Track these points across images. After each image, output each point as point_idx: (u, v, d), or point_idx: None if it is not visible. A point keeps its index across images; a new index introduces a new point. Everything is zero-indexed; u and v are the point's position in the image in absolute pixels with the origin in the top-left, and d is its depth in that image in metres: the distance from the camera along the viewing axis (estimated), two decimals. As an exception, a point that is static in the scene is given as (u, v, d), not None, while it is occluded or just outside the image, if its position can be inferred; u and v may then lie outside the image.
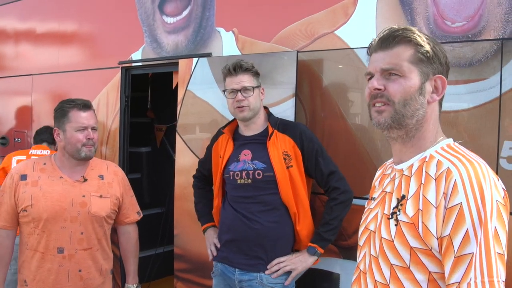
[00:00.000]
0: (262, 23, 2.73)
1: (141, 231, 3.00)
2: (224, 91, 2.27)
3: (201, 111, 2.92)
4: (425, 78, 1.16)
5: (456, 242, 1.00)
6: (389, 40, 1.17)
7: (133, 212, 2.44)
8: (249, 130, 2.27)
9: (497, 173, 1.94)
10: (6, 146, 4.54)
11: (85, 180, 2.24)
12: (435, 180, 1.08)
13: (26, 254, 2.18)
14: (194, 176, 2.60)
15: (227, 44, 2.86)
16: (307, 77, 2.52)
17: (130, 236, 2.45)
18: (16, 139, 4.44)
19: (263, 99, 2.27)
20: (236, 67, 2.20)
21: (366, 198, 2.28)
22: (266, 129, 2.23)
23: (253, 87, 2.20)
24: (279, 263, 2.14)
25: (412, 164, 1.17)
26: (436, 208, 1.05)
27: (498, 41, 1.97)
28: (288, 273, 2.15)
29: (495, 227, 0.99)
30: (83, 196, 2.20)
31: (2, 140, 4.59)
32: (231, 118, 2.50)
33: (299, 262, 2.15)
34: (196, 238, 2.92)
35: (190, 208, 2.95)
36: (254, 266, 2.16)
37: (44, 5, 4.23)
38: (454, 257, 1.00)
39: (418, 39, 1.16)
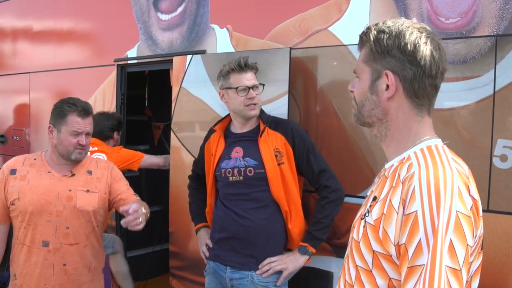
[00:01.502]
0: (256, 20, 2.71)
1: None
2: (228, 88, 2.18)
3: (195, 109, 2.90)
4: (376, 76, 1.11)
5: (410, 252, 0.93)
6: (359, 41, 1.17)
7: (130, 195, 2.36)
8: (243, 127, 2.25)
9: (490, 172, 1.94)
10: (4, 144, 4.55)
11: (73, 175, 2.24)
12: (402, 183, 1.02)
13: (16, 248, 2.20)
14: (189, 177, 2.59)
15: (221, 41, 2.84)
16: (301, 74, 2.50)
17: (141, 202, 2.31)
18: (15, 137, 4.44)
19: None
20: (246, 64, 2.17)
21: (360, 196, 2.30)
22: (258, 126, 2.21)
23: (261, 85, 2.21)
24: (270, 262, 2.12)
25: (392, 165, 1.12)
26: (397, 213, 0.99)
27: (492, 38, 1.94)
28: (280, 272, 2.13)
29: (450, 239, 0.90)
30: (70, 190, 2.20)
31: (1, 138, 4.60)
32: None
33: (290, 262, 2.13)
34: (191, 236, 2.92)
35: (185, 206, 2.94)
36: (245, 265, 2.15)
37: (40, 3, 4.22)
38: (407, 267, 0.94)
39: (371, 36, 1.10)
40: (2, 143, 4.58)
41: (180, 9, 3.05)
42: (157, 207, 4.33)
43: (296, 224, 2.18)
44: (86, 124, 2.21)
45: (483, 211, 1.91)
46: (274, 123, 2.21)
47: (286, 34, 2.56)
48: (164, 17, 3.15)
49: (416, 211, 0.94)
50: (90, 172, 2.29)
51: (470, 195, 0.97)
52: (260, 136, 2.16)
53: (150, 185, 4.46)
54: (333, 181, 2.16)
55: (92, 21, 3.79)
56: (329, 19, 2.39)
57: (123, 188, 2.35)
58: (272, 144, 2.15)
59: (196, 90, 2.89)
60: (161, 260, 3.93)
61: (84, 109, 2.21)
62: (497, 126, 1.92)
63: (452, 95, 2.03)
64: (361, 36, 1.15)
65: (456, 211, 0.93)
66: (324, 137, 2.43)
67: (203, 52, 2.91)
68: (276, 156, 2.14)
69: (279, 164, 2.13)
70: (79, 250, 2.21)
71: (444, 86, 2.01)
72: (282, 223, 2.18)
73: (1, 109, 4.71)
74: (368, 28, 1.13)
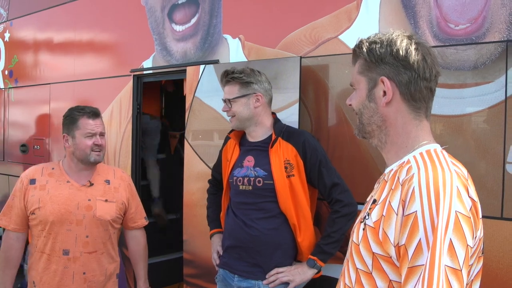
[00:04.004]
0: (267, 30, 2.74)
1: (156, 237, 2.99)
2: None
3: (208, 118, 2.94)
4: (372, 84, 1.15)
5: (410, 252, 0.95)
6: (352, 55, 1.22)
7: (141, 217, 2.48)
8: (251, 137, 2.27)
9: (503, 179, 1.91)
10: (26, 154, 4.67)
11: (91, 184, 2.29)
12: (401, 185, 1.03)
13: (35, 256, 2.25)
14: (208, 181, 2.62)
15: (233, 51, 2.88)
16: (312, 83, 2.51)
17: (139, 241, 2.49)
18: (36, 147, 4.56)
19: (258, 106, 2.20)
20: (222, 77, 2.23)
21: (371, 204, 2.29)
22: (270, 136, 2.22)
23: (237, 97, 2.18)
24: (277, 273, 2.11)
25: (392, 169, 1.14)
26: (396, 215, 1.01)
27: (503, 43, 1.92)
28: (287, 284, 2.12)
29: (450, 239, 0.92)
30: (89, 200, 2.26)
31: (22, 147, 4.72)
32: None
33: (298, 274, 2.11)
34: (205, 243, 2.94)
35: (199, 214, 2.98)
36: (252, 274, 2.15)
37: (60, 16, 4.34)
38: (407, 267, 0.95)
39: (363, 47, 1.15)
40: (23, 152, 4.70)
41: (193, 20, 3.11)
42: (174, 216, 4.37)
43: (305, 237, 2.16)
44: (98, 125, 2.28)
45: (497, 219, 1.91)
46: (288, 133, 2.19)
47: (297, 43, 2.58)
48: (178, 28, 3.21)
49: (416, 211, 0.96)
50: (108, 182, 2.35)
51: (469, 196, 0.99)
52: (271, 147, 2.16)
53: (166, 193, 4.52)
54: (345, 195, 2.12)
55: (109, 33, 3.88)
56: (339, 28, 2.40)
57: (136, 206, 2.47)
58: (283, 155, 2.14)
59: (209, 100, 2.93)
60: (174, 268, 3.95)
61: (92, 112, 2.29)
62: (510, 133, 1.90)
63: (463, 101, 2.02)
64: (354, 50, 1.20)
65: (456, 211, 0.94)
66: (335, 145, 2.43)
67: (216, 62, 2.95)
68: (286, 167, 2.12)
69: (288, 176, 2.11)
70: (97, 257, 2.27)
71: (454, 93, 2.02)
72: (291, 234, 2.16)
73: (23, 119, 4.84)
74: (360, 41, 1.18)
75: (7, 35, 5.02)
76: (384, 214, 1.04)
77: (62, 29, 4.33)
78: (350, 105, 1.24)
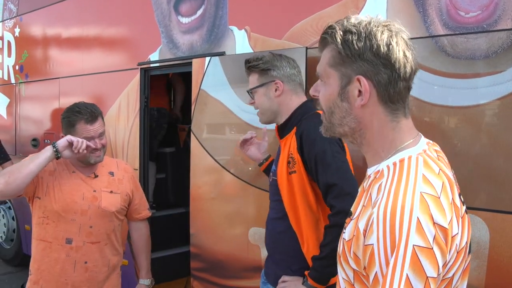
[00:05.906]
0: (273, 20, 2.69)
1: (165, 230, 2.95)
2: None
3: (215, 111, 2.91)
4: (346, 81, 1.01)
5: (370, 279, 0.90)
6: (320, 41, 1.05)
7: (144, 208, 2.50)
8: None
9: (515, 172, 1.84)
10: (37, 148, 4.70)
11: (96, 176, 2.30)
12: (371, 207, 0.95)
13: (32, 244, 2.27)
14: None
15: (240, 42, 2.84)
16: (319, 74, 2.46)
17: (142, 232, 2.51)
18: (46, 141, 4.58)
19: (279, 95, 1.98)
20: (245, 68, 2.08)
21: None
22: None
23: (255, 88, 2.02)
24: (282, 281, 1.91)
25: (370, 176, 1.04)
26: (363, 238, 0.94)
27: (515, 31, 1.85)
28: None
29: (407, 274, 0.84)
30: (94, 191, 2.27)
31: (33, 141, 4.76)
32: (243, 118, 2.46)
33: (292, 287, 1.86)
34: (212, 237, 2.93)
35: (206, 207, 2.97)
36: (269, 276, 2.04)
37: (68, 11, 4.35)
38: None
39: (337, 36, 0.99)
40: (34, 147, 4.74)
41: (199, 12, 3.07)
42: (183, 209, 4.37)
43: (309, 247, 1.86)
44: (96, 128, 2.22)
45: (508, 213, 1.84)
46: (301, 122, 1.89)
47: (303, 34, 2.52)
48: (184, 20, 3.18)
49: (373, 244, 0.90)
50: (112, 173, 2.36)
51: (434, 223, 0.89)
52: (281, 137, 1.97)
53: (176, 187, 4.52)
54: (340, 200, 1.68)
55: (116, 27, 3.87)
56: (346, 17, 2.34)
57: (140, 197, 2.47)
58: (289, 148, 1.88)
59: (215, 93, 2.90)
60: (181, 262, 3.95)
61: (90, 115, 2.20)
62: (522, 124, 1.83)
63: (474, 91, 1.95)
64: (324, 37, 1.04)
65: (413, 245, 0.86)
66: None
67: (222, 53, 2.92)
68: (289, 162, 1.86)
69: (290, 173, 1.85)
70: (100, 248, 2.27)
71: (465, 83, 1.96)
72: (297, 242, 1.90)
73: (33, 114, 4.88)
74: (331, 28, 1.02)
75: (17, 30, 5.05)
76: (355, 234, 0.97)
77: (71, 23, 4.34)
78: (316, 96, 1.10)
